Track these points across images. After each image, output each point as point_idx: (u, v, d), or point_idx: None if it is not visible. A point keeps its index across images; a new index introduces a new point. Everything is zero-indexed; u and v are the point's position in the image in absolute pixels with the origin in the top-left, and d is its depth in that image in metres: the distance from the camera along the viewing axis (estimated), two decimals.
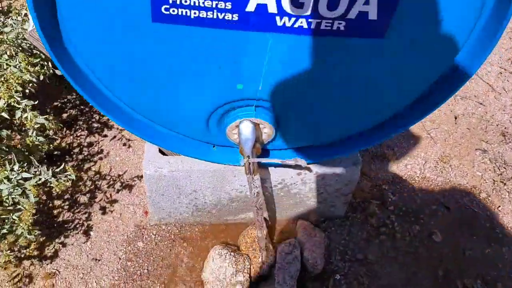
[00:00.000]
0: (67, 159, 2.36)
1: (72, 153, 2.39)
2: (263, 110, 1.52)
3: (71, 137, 2.46)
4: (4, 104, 1.75)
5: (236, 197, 2.00)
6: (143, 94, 1.41)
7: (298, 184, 1.95)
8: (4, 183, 1.65)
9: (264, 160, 1.51)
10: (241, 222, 2.16)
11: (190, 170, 1.83)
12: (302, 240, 2.03)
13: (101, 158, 2.38)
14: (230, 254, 1.95)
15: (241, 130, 1.49)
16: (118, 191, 2.26)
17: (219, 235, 2.13)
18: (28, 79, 1.80)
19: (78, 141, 2.45)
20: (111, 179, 2.30)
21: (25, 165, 1.76)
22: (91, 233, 2.11)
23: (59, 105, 2.62)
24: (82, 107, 2.61)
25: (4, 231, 1.72)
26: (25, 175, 1.70)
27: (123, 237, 2.10)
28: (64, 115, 2.56)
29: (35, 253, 2.01)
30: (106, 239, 2.09)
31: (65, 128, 2.49)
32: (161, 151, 1.89)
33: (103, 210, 2.19)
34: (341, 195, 2.05)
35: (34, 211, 1.73)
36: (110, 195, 2.24)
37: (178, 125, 1.61)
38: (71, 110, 2.58)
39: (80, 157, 2.38)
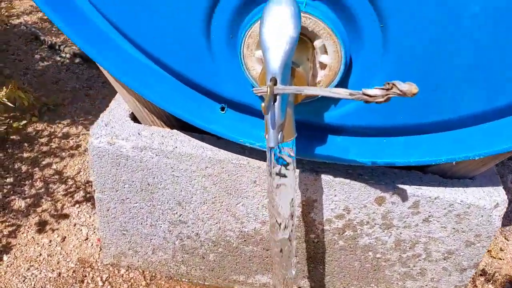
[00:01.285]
0: (24, 147, 1.57)
1: (36, 142, 1.61)
2: (326, 4, 0.69)
3: (45, 123, 1.70)
4: None
5: (255, 233, 1.07)
6: None
7: (376, 225, 1.00)
8: None
9: (307, 91, 0.60)
10: None
11: (173, 154, 0.96)
12: None
13: (72, 156, 1.57)
14: None
15: (263, 24, 0.63)
16: (76, 203, 1.40)
17: None
18: None
19: (52, 129, 1.67)
20: (74, 185, 1.46)
21: None
22: (4, 257, 1.24)
23: (56, 86, 1.91)
24: (79, 92, 1.88)
25: None
26: None
27: (52, 275, 1.20)
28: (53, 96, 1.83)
29: None
30: (24, 272, 1.20)
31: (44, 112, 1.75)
32: (134, 119, 1.05)
33: (41, 226, 1.33)
34: (456, 267, 1.05)
35: None
36: (62, 206, 1.39)
37: (158, 34, 0.79)
38: (64, 94, 1.85)
39: (45, 148, 1.58)
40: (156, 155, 0.97)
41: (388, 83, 0.56)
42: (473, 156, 0.80)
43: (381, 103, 0.58)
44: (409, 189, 0.94)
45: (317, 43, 0.72)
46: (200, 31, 0.76)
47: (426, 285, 1.10)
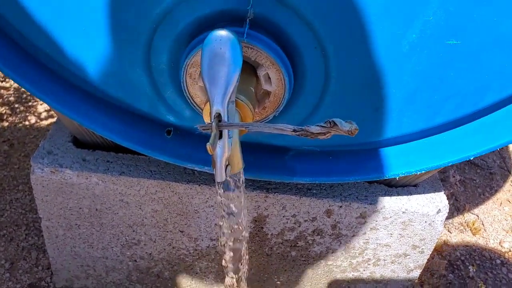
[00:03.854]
0: None
1: None
2: (268, 33, 0.69)
3: None
4: None
5: (209, 249, 1.08)
6: None
7: (326, 234, 1.03)
8: None
9: (252, 128, 0.61)
10: None
11: (120, 180, 0.94)
12: None
13: (14, 177, 1.51)
14: None
15: (203, 60, 0.62)
16: (23, 225, 1.36)
17: None
18: None
19: None
20: (20, 207, 1.41)
21: None
22: None
23: None
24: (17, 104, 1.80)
25: None
26: None
27: None
28: None
29: None
30: None
31: None
32: (77, 143, 1.02)
33: None
34: (403, 269, 1.10)
35: None
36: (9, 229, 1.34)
37: (99, 60, 0.77)
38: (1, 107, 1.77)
39: None
40: (103, 181, 0.95)
41: (330, 122, 0.58)
42: (414, 171, 0.84)
43: (323, 139, 0.59)
44: (356, 200, 0.97)
45: (260, 72, 0.72)
46: (141, 58, 0.75)
47: (376, 287, 1.15)
